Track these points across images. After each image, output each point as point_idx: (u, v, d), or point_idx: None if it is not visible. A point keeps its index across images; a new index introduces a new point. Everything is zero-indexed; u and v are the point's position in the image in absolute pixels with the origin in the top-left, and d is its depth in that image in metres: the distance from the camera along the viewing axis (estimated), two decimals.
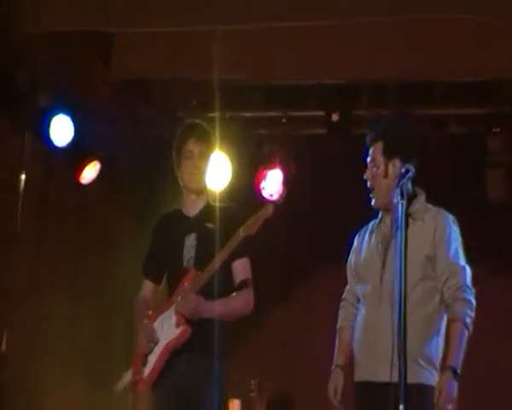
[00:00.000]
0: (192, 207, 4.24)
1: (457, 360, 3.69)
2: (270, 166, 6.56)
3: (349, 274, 4.10)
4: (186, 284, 4.02)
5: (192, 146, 4.19)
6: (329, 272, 6.22)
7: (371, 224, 4.05)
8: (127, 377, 4.18)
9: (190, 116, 6.53)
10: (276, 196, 6.57)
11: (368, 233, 4.02)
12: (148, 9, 5.33)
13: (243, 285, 4.10)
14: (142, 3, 5.33)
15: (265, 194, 6.59)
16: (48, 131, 5.62)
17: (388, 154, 3.88)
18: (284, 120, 6.50)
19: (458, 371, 3.68)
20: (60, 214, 5.82)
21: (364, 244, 3.99)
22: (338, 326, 4.10)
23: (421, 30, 5.77)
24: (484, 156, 6.26)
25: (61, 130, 5.68)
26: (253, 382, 5.97)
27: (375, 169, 3.92)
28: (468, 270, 3.83)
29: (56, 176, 5.84)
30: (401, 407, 3.30)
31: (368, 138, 4.00)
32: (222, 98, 6.52)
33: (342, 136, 6.33)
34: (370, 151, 3.97)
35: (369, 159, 3.97)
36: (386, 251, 3.80)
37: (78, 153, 5.89)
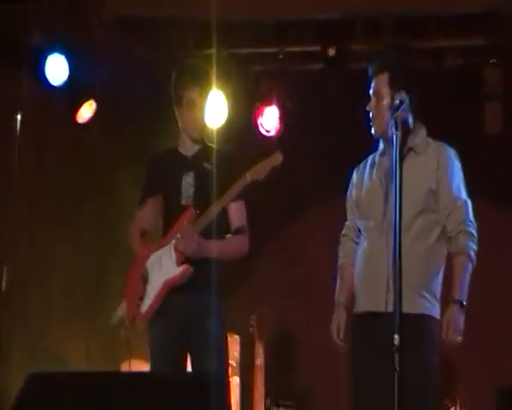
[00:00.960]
0: (190, 147, 4.25)
1: (463, 292, 3.73)
2: (267, 102, 6.55)
3: (349, 209, 4.09)
4: (185, 221, 4.03)
5: (195, 96, 4.18)
6: (328, 207, 6.25)
7: (370, 158, 4.04)
8: (121, 309, 4.20)
9: (187, 55, 6.55)
10: (273, 132, 6.58)
11: (368, 167, 3.99)
12: None
13: (239, 230, 4.14)
14: None
15: (263, 130, 6.59)
16: (43, 70, 5.60)
17: (394, 86, 3.86)
18: (281, 56, 6.46)
19: (464, 303, 3.71)
20: (57, 153, 5.82)
21: (366, 178, 3.97)
22: (339, 264, 4.09)
23: None
24: (481, 88, 6.23)
25: (57, 69, 5.67)
26: (252, 317, 6.02)
27: (379, 100, 3.89)
28: (470, 203, 3.85)
29: (53, 115, 5.83)
30: (396, 336, 3.37)
31: (371, 70, 3.96)
32: (218, 36, 6.47)
33: (339, 70, 6.30)
34: (374, 83, 3.93)
35: (372, 90, 3.93)
36: (388, 185, 3.76)
37: (73, 92, 5.87)
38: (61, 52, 5.68)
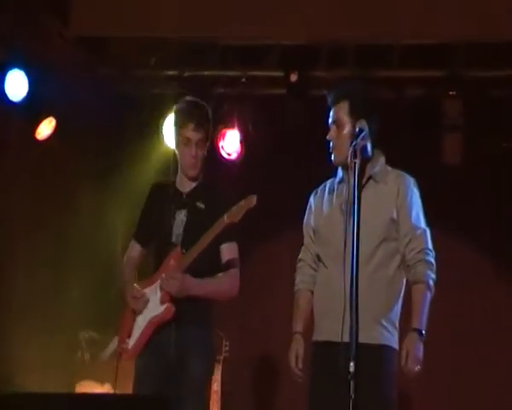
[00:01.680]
0: (186, 184, 4.31)
1: (422, 321, 3.74)
2: (229, 125, 6.55)
3: (306, 234, 4.07)
4: (171, 261, 4.11)
5: (190, 133, 4.22)
6: (289, 231, 6.24)
7: (329, 183, 4.03)
8: (113, 344, 4.24)
9: (148, 75, 6.54)
10: (234, 156, 6.58)
11: (327, 193, 3.99)
12: None
13: (230, 265, 4.20)
14: None
15: (224, 153, 6.59)
16: (2, 86, 5.54)
17: (354, 114, 3.87)
18: (243, 80, 6.48)
19: (423, 332, 3.73)
20: (16, 171, 5.75)
21: (325, 205, 3.96)
22: (295, 289, 4.07)
23: None
24: (440, 119, 6.31)
25: (16, 85, 5.61)
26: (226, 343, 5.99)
27: (339, 129, 3.89)
28: (429, 232, 3.87)
29: (12, 132, 5.76)
30: (351, 364, 3.37)
31: (330, 99, 3.96)
32: (180, 57, 6.48)
33: (301, 96, 6.33)
34: (333, 111, 3.93)
35: (331, 119, 3.93)
36: (348, 213, 3.74)
37: (33, 109, 5.82)
38: (21, 68, 5.62)
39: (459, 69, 6.27)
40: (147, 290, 4.17)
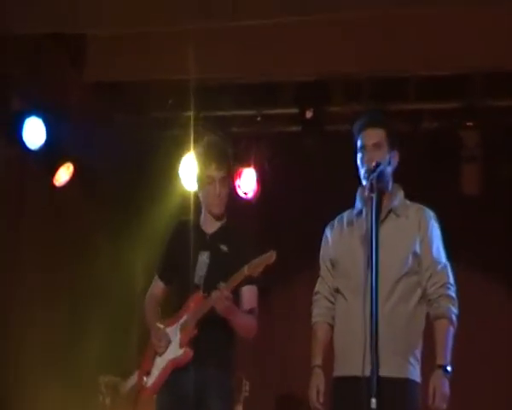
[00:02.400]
0: (210, 225, 4.31)
1: (447, 357, 3.72)
2: (245, 164, 6.56)
3: (323, 267, 4.05)
4: (192, 304, 4.13)
5: (213, 172, 4.24)
6: (308, 270, 6.20)
7: (346, 215, 4.01)
8: (134, 378, 4.25)
9: (165, 117, 6.58)
10: (250, 195, 6.57)
11: (346, 226, 3.96)
12: (119, 11, 5.31)
13: (249, 313, 4.18)
14: (113, 5, 5.31)
15: (240, 192, 6.59)
16: (21, 134, 5.59)
17: (390, 144, 3.88)
18: (259, 119, 6.50)
19: (449, 368, 3.70)
20: (35, 218, 5.79)
21: (345, 237, 3.93)
22: (313, 322, 4.04)
23: (394, 24, 5.78)
24: (458, 150, 6.28)
25: (34, 132, 5.67)
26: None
27: (381, 154, 3.83)
28: (449, 266, 3.85)
29: (30, 179, 5.81)
30: (373, 400, 3.33)
31: (365, 121, 3.91)
32: (196, 98, 6.51)
33: (316, 132, 6.33)
34: (369, 134, 3.87)
35: (371, 140, 3.85)
36: (369, 245, 3.66)
37: (51, 155, 5.88)
38: (39, 115, 5.67)
39: (475, 99, 6.25)
40: (168, 330, 4.18)
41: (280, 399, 6.84)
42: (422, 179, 5.97)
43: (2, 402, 5.26)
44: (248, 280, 4.05)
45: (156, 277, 4.41)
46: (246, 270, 3.96)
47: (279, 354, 6.87)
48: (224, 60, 6.15)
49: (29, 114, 5.67)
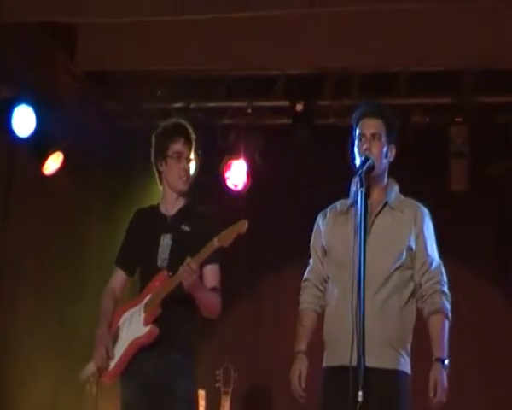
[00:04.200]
0: (171, 207, 4.26)
1: (445, 351, 3.74)
2: (235, 156, 6.56)
3: (314, 255, 4.03)
4: (157, 284, 4.07)
5: (181, 148, 4.21)
6: (296, 261, 6.23)
7: (339, 204, 3.99)
8: (91, 365, 4.18)
9: (155, 108, 6.58)
10: (240, 186, 6.58)
11: (340, 214, 3.94)
12: (111, 0, 5.30)
13: (214, 291, 4.14)
14: None
15: (230, 184, 6.60)
16: (10, 122, 5.57)
17: (388, 137, 3.89)
18: (249, 111, 6.51)
19: (446, 362, 3.72)
20: (24, 205, 5.76)
21: (339, 226, 3.91)
22: (299, 309, 4.02)
23: (384, 19, 5.81)
24: (447, 146, 6.31)
25: (24, 121, 5.63)
26: (218, 372, 5.97)
27: (379, 144, 3.83)
28: (442, 264, 3.88)
29: (20, 167, 5.78)
30: (359, 393, 3.34)
31: (365, 110, 3.90)
32: (186, 89, 6.51)
33: (307, 125, 6.35)
34: (369, 124, 3.86)
35: (370, 130, 3.84)
36: (365, 236, 3.65)
37: (40, 144, 5.84)
38: (29, 103, 5.64)
39: (465, 96, 6.28)
40: (130, 311, 4.12)
41: (268, 390, 6.87)
42: (410, 174, 5.99)
43: None
44: (210, 259, 3.97)
45: (116, 268, 4.33)
46: (215, 242, 3.88)
47: (268, 345, 6.88)
48: (216, 52, 6.15)
49: (19, 101, 5.63)
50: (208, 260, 4.00)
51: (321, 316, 3.98)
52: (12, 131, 5.60)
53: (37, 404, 5.51)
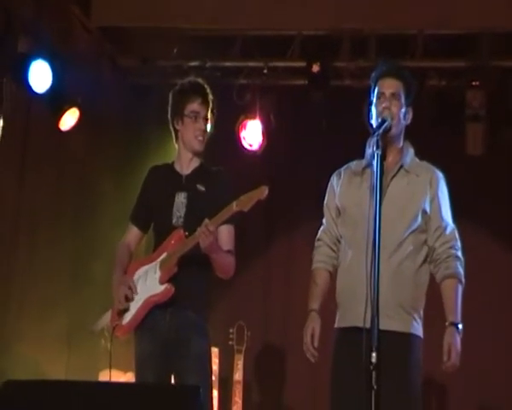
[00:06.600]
0: (186, 166, 4.28)
1: (458, 315, 3.76)
2: (251, 116, 6.56)
3: (327, 215, 4.03)
4: (173, 242, 4.09)
5: (198, 107, 4.22)
6: (310, 222, 6.24)
7: (354, 165, 3.98)
8: (105, 318, 4.21)
9: (170, 66, 6.56)
10: (256, 146, 6.58)
11: (354, 175, 3.93)
12: None
13: (228, 253, 4.16)
14: None
15: (245, 144, 6.60)
16: (27, 77, 5.56)
17: (407, 99, 3.88)
18: (265, 71, 6.48)
19: (460, 326, 3.74)
20: (40, 161, 5.77)
21: (354, 187, 3.90)
22: (312, 268, 4.03)
23: None
24: (463, 110, 6.28)
25: (40, 76, 5.61)
26: (231, 330, 6.01)
27: (399, 104, 3.83)
28: (456, 229, 3.88)
29: (36, 122, 5.78)
30: (373, 354, 3.36)
31: (382, 71, 3.89)
32: (203, 48, 6.49)
33: (322, 87, 6.32)
34: (389, 83, 3.85)
35: (390, 90, 3.84)
36: (380, 198, 3.64)
37: (57, 99, 5.83)
38: (45, 59, 5.63)
39: (482, 59, 6.24)
40: (146, 267, 4.14)
41: (281, 349, 6.92)
42: (426, 137, 5.97)
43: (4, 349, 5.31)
44: (227, 220, 3.98)
45: (130, 223, 4.35)
46: (234, 205, 3.87)
47: (282, 304, 6.92)
48: (232, 11, 6.13)
49: (36, 57, 5.61)
50: (225, 221, 4.01)
51: (333, 276, 4.00)
52: (29, 86, 5.59)
53: (49, 354, 5.55)
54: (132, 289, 4.10)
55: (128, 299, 4.10)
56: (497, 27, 5.96)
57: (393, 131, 3.81)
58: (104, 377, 5.16)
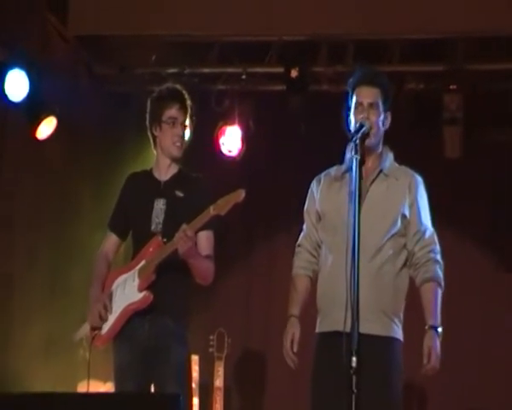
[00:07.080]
0: (164, 172, 4.28)
1: (438, 319, 3.77)
2: (229, 122, 6.55)
3: (307, 220, 4.03)
4: (151, 249, 4.09)
5: (176, 113, 4.22)
6: (290, 228, 6.24)
7: (334, 170, 3.98)
8: (85, 328, 4.20)
9: (148, 73, 6.55)
10: (235, 152, 6.58)
11: (334, 180, 3.93)
12: None
13: (207, 259, 4.16)
14: None
15: (224, 150, 6.59)
16: (3, 85, 5.53)
17: (385, 104, 3.89)
18: (244, 76, 6.48)
19: (440, 330, 3.75)
20: (17, 170, 5.75)
21: (333, 192, 3.91)
22: (293, 273, 4.03)
23: None
24: (441, 113, 6.31)
25: (17, 85, 5.59)
26: (211, 337, 6.00)
27: (377, 113, 3.84)
28: (435, 233, 3.90)
29: (13, 131, 5.75)
30: (353, 358, 3.36)
31: (359, 79, 3.89)
32: (181, 54, 6.48)
33: (301, 92, 6.34)
34: (365, 93, 3.85)
35: (368, 100, 3.84)
36: (359, 203, 3.69)
37: (34, 108, 5.80)
38: (22, 67, 5.61)
39: (459, 63, 6.27)
40: (124, 276, 4.13)
41: (261, 356, 6.91)
42: (404, 141, 5.99)
43: None
44: (205, 225, 3.98)
45: (108, 231, 4.34)
46: (211, 210, 3.88)
47: (262, 311, 6.92)
48: (211, 17, 6.12)
49: (12, 65, 5.59)
50: (203, 227, 4.01)
51: (314, 282, 3.99)
52: (4, 96, 5.57)
53: (28, 364, 5.51)
54: (107, 309, 4.10)
55: (102, 318, 4.10)
56: (472, 32, 5.99)
57: (372, 140, 3.83)
58: (83, 387, 5.13)
